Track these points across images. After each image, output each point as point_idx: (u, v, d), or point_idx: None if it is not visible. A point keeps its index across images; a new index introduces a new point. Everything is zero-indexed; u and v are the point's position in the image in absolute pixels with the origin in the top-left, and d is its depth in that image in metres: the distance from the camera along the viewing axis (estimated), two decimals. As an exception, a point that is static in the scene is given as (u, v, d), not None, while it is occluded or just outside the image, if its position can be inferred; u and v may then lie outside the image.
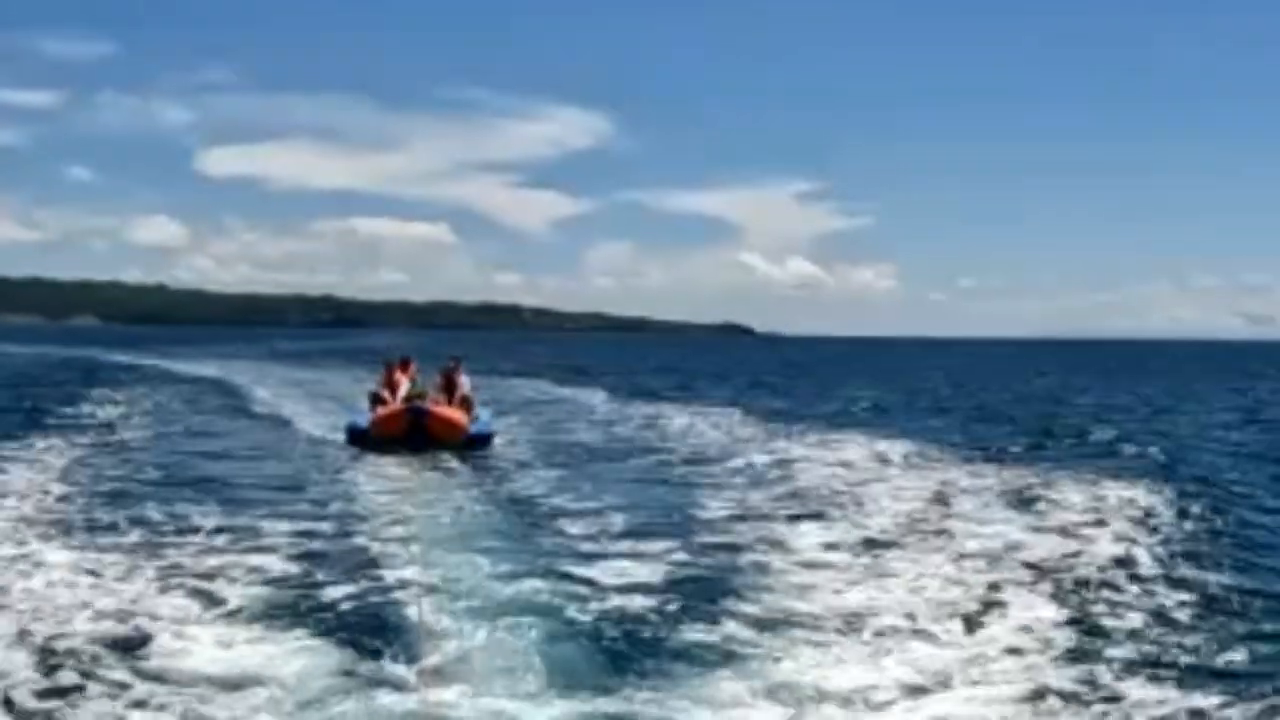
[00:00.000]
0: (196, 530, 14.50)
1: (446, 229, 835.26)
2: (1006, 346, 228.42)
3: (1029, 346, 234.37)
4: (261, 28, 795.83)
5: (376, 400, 26.20)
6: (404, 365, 27.52)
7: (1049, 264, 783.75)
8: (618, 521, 15.89)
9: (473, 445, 24.58)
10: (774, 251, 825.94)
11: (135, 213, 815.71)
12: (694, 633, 10.25)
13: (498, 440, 26.09)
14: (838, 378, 69.17)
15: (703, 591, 11.78)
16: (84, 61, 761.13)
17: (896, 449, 25.24)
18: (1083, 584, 12.12)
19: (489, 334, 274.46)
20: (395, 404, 25.51)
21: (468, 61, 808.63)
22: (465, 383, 27.06)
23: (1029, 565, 13.12)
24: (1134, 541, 14.42)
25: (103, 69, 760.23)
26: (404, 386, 26.31)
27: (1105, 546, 14.13)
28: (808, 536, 14.90)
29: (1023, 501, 17.83)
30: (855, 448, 25.58)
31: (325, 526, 15.15)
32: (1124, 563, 13.21)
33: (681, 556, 13.52)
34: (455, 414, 25.38)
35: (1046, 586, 12.02)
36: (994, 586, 12.01)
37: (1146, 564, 13.21)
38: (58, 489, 17.79)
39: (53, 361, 72.51)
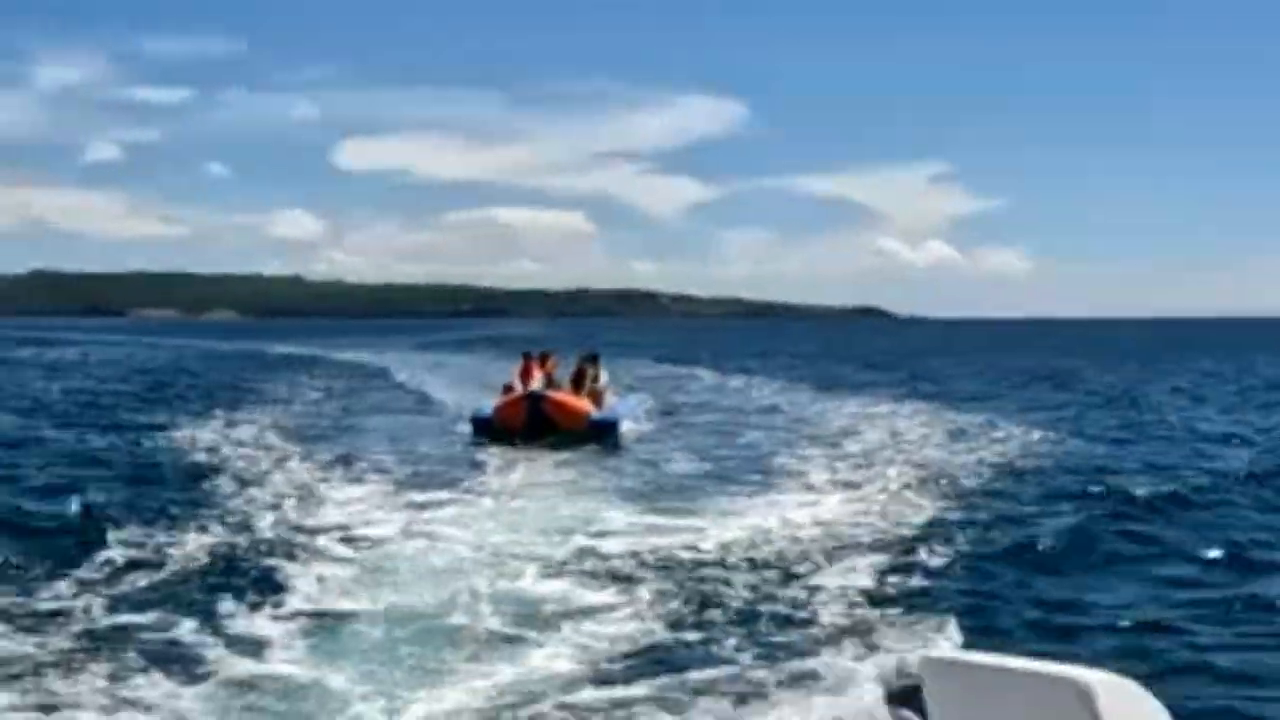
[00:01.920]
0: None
1: (582, 217, 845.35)
2: (1172, 326, 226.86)
3: (1180, 326, 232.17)
4: (387, 23, 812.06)
5: (508, 391, 26.75)
6: (543, 359, 28.10)
7: (1186, 244, 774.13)
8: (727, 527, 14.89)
9: (596, 433, 24.83)
10: (908, 234, 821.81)
11: (272, 207, 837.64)
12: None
13: (629, 428, 26.55)
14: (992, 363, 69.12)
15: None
16: (213, 59, 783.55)
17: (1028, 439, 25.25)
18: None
19: (626, 321, 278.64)
20: (515, 392, 26.14)
21: (597, 51, 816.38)
22: (602, 375, 27.86)
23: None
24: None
25: (231, 66, 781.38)
26: (537, 379, 26.84)
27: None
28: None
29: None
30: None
31: (422, 511, 15.90)
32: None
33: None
34: (575, 401, 25.77)
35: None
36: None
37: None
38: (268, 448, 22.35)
39: (224, 354, 79.05)
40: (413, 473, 19.96)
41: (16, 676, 8.77)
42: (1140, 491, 17.51)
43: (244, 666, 9.18)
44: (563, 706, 8.39)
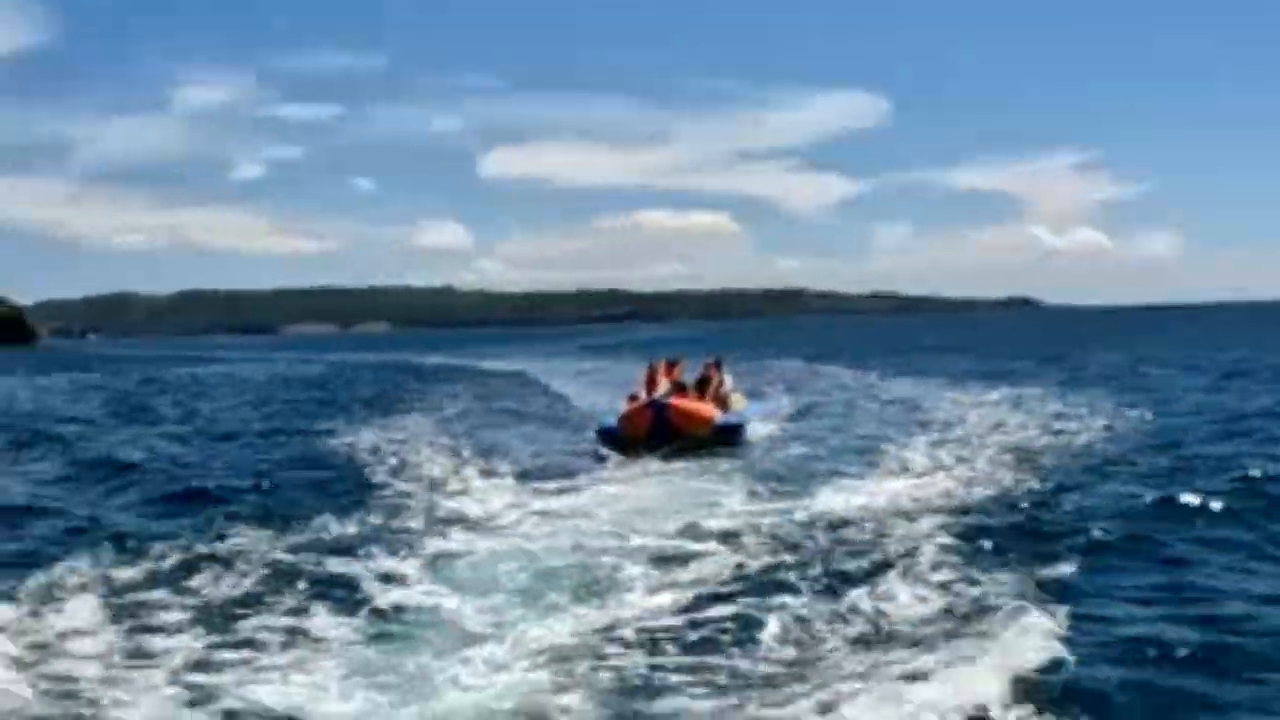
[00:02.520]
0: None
1: (727, 217, 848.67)
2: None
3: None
4: (526, 33, 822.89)
5: (634, 400, 26.62)
6: (669, 366, 28.37)
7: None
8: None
9: (722, 437, 24.82)
10: (1055, 222, 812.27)
11: (418, 219, 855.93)
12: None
13: (755, 431, 26.65)
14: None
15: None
16: (355, 75, 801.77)
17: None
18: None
19: (774, 320, 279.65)
20: (640, 401, 25.98)
21: (738, 50, 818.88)
22: (726, 380, 27.99)
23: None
24: None
25: (374, 82, 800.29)
26: (662, 386, 26.91)
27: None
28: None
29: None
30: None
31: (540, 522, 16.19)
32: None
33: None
34: (700, 406, 25.68)
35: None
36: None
37: None
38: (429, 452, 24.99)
39: (377, 365, 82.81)
40: (543, 464, 22.62)
41: (222, 608, 11.70)
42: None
43: (390, 597, 11.97)
44: (649, 645, 10.20)
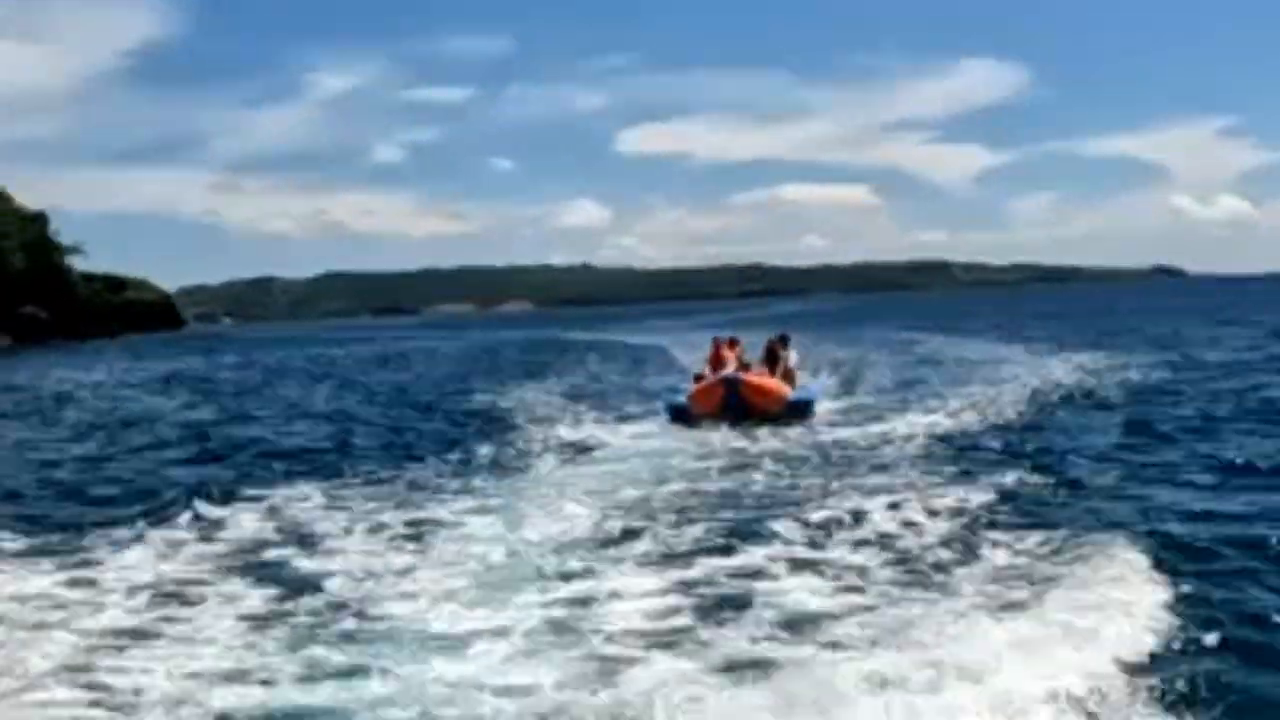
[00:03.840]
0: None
1: (867, 190, 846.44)
2: None
3: None
4: (662, 10, 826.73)
5: (700, 379, 27.28)
6: (731, 344, 28.90)
7: None
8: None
9: (793, 413, 25.22)
10: (1201, 191, 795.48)
11: (558, 198, 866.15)
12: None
13: (824, 407, 27.16)
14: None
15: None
16: (492, 56, 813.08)
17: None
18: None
19: (917, 293, 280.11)
20: (711, 377, 26.63)
21: (875, 22, 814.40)
22: (791, 356, 28.55)
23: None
24: None
25: (509, 62, 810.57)
26: (730, 364, 27.38)
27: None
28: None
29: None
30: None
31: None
32: None
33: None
34: (771, 382, 26.23)
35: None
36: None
37: None
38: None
39: (519, 342, 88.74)
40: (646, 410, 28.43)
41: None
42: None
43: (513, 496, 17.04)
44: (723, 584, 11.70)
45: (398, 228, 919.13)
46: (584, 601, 11.06)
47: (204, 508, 16.52)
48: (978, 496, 15.40)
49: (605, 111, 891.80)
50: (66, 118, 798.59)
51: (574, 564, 12.54)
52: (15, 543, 14.77)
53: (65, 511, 17.55)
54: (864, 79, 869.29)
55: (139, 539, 14.73)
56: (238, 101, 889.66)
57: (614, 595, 11.24)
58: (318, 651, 9.84)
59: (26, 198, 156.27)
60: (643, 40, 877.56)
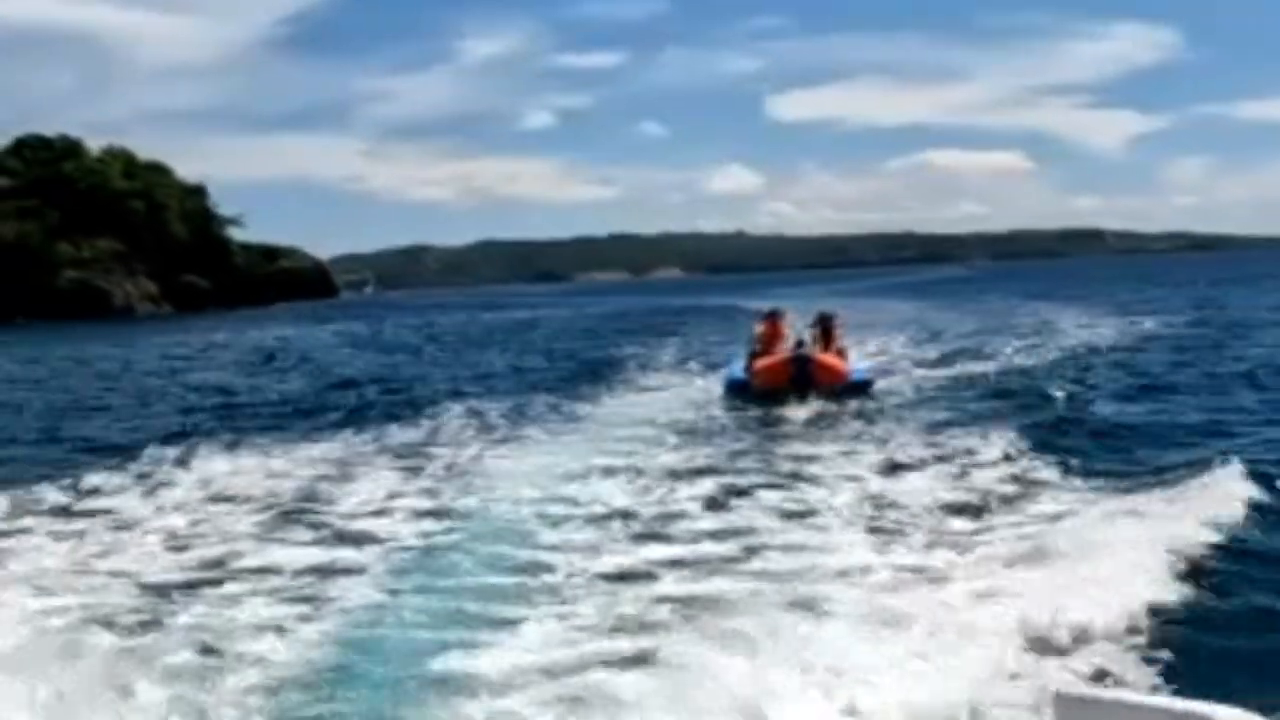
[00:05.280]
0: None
1: (1021, 156, 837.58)
2: None
3: None
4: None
5: (753, 353, 27.52)
6: (778, 318, 28.95)
7: None
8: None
9: (853, 391, 25.80)
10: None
11: (709, 163, 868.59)
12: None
13: (880, 384, 27.39)
14: None
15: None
16: (641, 20, 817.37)
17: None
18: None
19: (1069, 261, 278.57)
20: (777, 354, 26.72)
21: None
22: (840, 334, 28.84)
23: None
24: None
25: (660, 26, 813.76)
26: (788, 337, 27.57)
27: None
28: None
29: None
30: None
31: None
32: None
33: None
34: (836, 360, 26.78)
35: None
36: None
37: None
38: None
39: (664, 308, 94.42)
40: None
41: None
42: None
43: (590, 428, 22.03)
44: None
45: (548, 194, 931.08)
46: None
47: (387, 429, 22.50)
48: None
49: (756, 75, 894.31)
50: (219, 87, 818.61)
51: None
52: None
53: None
54: (1015, 42, 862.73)
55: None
56: (388, 68, 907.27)
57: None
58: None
59: (181, 166, 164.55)
60: (791, 4, 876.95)
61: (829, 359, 26.45)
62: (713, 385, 28.26)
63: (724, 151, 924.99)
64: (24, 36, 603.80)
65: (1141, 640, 8.91)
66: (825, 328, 28.35)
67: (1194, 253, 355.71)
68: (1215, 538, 11.24)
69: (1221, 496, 12.71)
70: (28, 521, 14.93)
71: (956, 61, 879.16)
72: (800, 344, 26.61)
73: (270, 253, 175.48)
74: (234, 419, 25.92)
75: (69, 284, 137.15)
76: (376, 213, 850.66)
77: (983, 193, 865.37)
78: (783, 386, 25.15)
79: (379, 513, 14.58)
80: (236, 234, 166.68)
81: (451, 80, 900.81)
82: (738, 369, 27.63)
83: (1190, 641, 8.96)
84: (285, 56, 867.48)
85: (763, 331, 28.17)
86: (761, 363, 26.43)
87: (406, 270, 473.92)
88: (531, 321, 78.27)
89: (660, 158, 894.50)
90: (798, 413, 22.96)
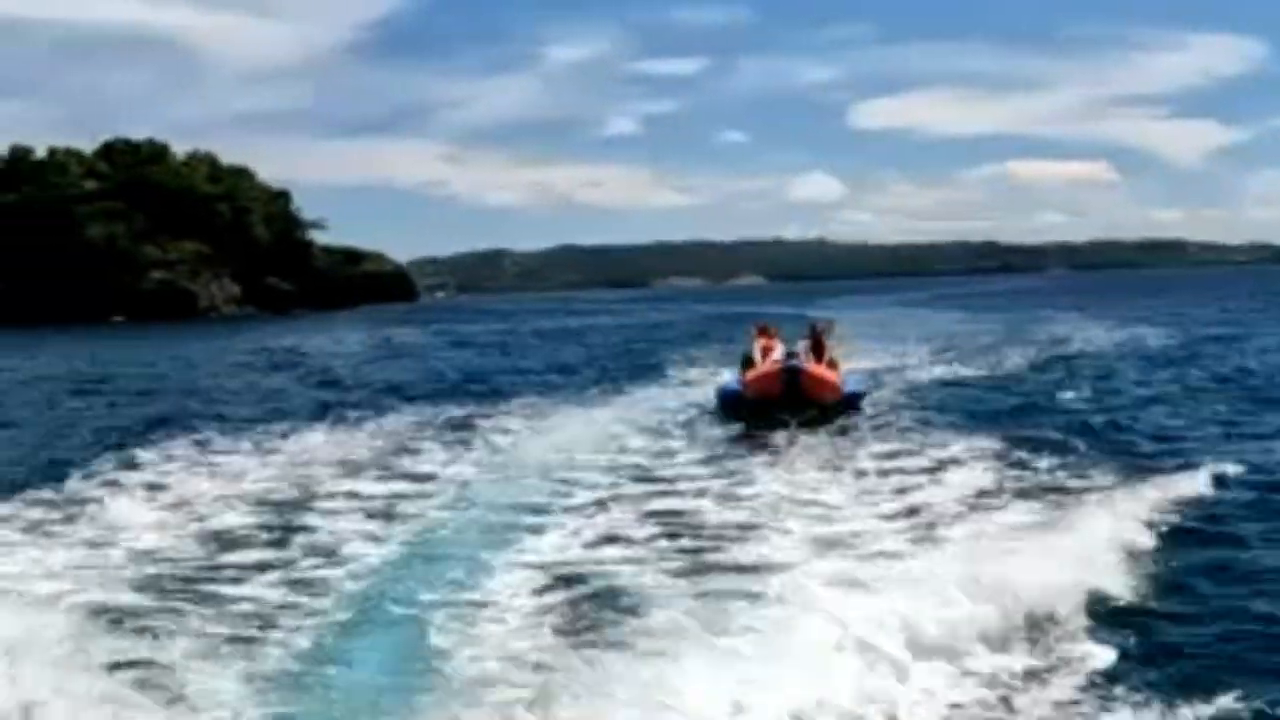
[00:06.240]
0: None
1: (1103, 166, 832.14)
2: None
3: None
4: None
5: (748, 364, 27.47)
6: (771, 331, 28.99)
7: None
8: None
9: (846, 405, 25.87)
10: None
11: (789, 171, 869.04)
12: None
13: (870, 399, 27.97)
14: None
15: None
16: (722, 27, 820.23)
17: None
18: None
19: (1150, 272, 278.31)
20: (768, 365, 26.53)
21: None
22: (832, 345, 28.57)
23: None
24: None
25: (739, 34, 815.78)
26: (778, 349, 27.47)
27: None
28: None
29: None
30: None
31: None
32: None
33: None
34: (828, 373, 26.45)
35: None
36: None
37: None
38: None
39: (732, 315, 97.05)
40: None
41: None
42: None
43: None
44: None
45: (627, 200, 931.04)
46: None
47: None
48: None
49: (835, 83, 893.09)
50: (301, 90, 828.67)
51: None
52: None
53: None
54: (1095, 52, 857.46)
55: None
56: (470, 72, 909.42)
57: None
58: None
59: (263, 169, 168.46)
60: (873, 12, 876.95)
61: (819, 371, 26.36)
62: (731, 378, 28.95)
63: (804, 159, 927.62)
64: (109, 39, 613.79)
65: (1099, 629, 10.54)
66: (816, 340, 28.22)
67: (1277, 264, 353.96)
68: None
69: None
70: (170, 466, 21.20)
71: (1036, 71, 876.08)
72: (791, 355, 26.53)
73: (353, 256, 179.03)
74: (326, 402, 31.95)
75: (155, 285, 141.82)
76: (456, 217, 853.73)
77: (1063, 202, 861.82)
78: (775, 397, 25.01)
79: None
80: (319, 237, 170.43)
81: (534, 85, 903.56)
82: (731, 380, 27.98)
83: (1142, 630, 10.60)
84: (367, 60, 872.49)
85: (756, 344, 28.31)
86: (753, 373, 26.66)
87: (484, 274, 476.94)
88: (601, 326, 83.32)
89: (741, 165, 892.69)
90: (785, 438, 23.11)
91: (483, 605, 11.69)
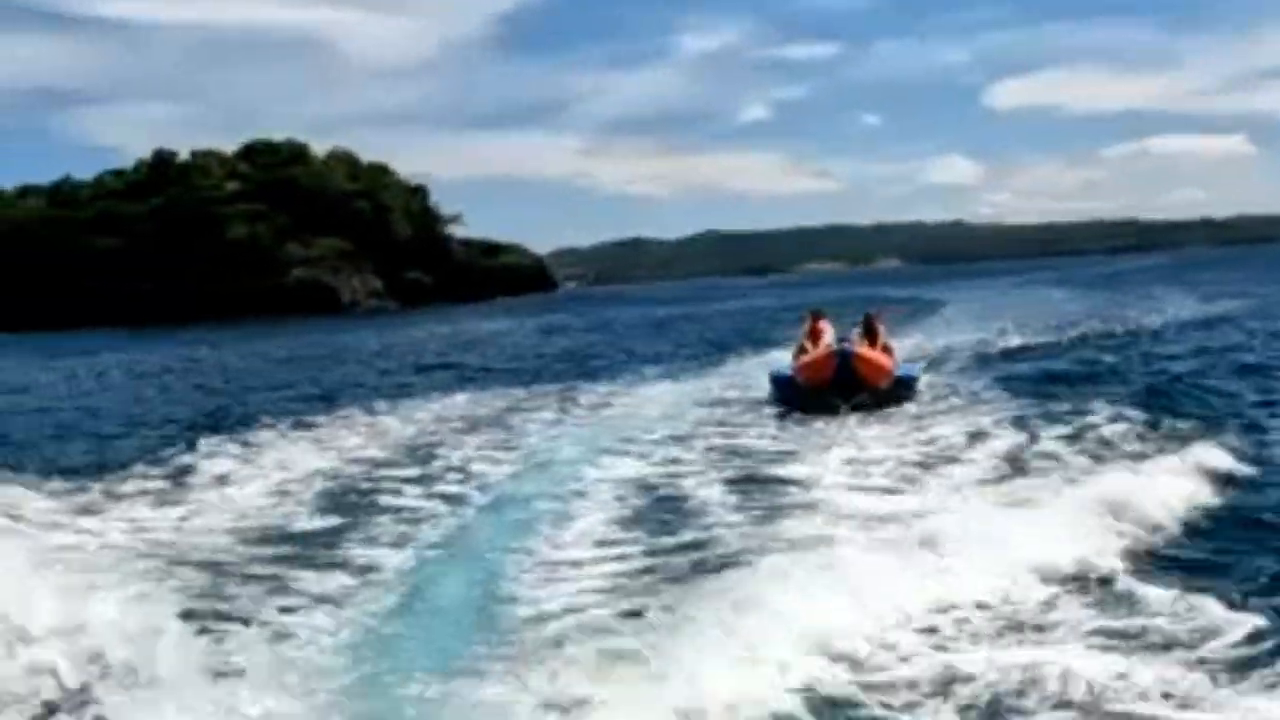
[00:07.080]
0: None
1: (1243, 139, 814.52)
2: None
3: None
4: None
5: (801, 351, 27.61)
6: (821, 316, 29.11)
7: None
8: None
9: (900, 390, 25.89)
10: None
11: (927, 154, 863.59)
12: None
13: (924, 384, 27.78)
14: None
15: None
16: (856, 12, 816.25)
17: None
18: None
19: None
20: (821, 349, 26.53)
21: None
22: (884, 331, 28.52)
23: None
24: None
25: (874, 17, 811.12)
26: (829, 334, 27.70)
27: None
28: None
29: None
30: None
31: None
32: None
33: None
34: (881, 357, 26.40)
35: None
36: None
37: None
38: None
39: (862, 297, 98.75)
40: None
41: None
42: None
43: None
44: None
45: (764, 186, 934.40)
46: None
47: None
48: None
49: (970, 65, 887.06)
50: (436, 85, 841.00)
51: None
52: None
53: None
54: (1236, 24, 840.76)
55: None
56: (604, 64, 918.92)
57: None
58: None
59: (400, 165, 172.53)
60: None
61: (872, 354, 26.08)
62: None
63: (941, 142, 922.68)
64: (246, 39, 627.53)
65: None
66: (869, 326, 28.11)
67: None
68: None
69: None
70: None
71: (1172, 46, 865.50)
72: (843, 340, 26.52)
73: (491, 249, 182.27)
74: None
75: (298, 282, 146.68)
76: (593, 207, 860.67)
77: (1203, 178, 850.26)
78: (827, 381, 24.93)
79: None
80: (457, 231, 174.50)
81: (669, 75, 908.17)
82: (784, 366, 27.97)
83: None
84: (501, 54, 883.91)
85: (807, 329, 28.46)
86: (805, 359, 26.57)
87: (623, 263, 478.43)
88: (732, 311, 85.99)
89: (877, 149, 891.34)
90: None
91: (557, 564, 12.65)
